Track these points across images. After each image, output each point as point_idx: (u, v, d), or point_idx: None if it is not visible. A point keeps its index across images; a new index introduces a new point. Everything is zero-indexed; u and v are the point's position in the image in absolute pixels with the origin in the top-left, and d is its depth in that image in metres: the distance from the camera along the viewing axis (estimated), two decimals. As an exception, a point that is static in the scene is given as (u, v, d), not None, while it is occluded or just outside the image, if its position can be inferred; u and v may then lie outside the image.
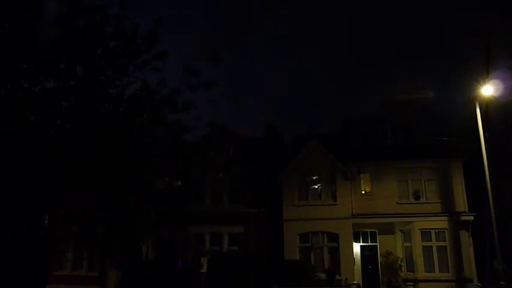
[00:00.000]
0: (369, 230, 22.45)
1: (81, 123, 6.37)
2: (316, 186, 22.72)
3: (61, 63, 6.43)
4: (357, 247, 22.17)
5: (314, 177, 22.75)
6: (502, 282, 15.61)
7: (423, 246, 20.83)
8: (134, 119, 6.84)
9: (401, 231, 21.90)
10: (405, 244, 21.69)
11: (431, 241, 20.90)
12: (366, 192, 22.74)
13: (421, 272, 20.36)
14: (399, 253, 21.58)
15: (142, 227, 17.66)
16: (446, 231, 20.88)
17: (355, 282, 18.72)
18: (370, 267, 21.96)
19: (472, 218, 20.57)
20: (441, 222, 20.99)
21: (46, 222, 12.27)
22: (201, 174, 20.18)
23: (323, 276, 20.15)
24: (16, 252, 10.28)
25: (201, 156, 9.80)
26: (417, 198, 22.12)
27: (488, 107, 17.55)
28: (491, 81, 16.37)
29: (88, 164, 6.62)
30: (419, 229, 20.99)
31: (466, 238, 20.65)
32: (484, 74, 16.09)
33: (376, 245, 22.23)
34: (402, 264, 21.29)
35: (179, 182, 11.48)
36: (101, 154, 6.58)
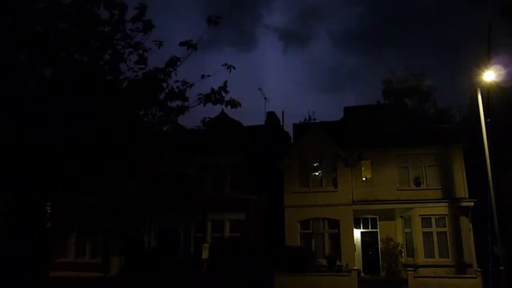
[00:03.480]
0: (369, 216, 22.57)
1: (82, 109, 6.37)
2: (317, 173, 22.78)
3: (58, 46, 6.40)
4: (357, 233, 22.32)
5: (315, 164, 22.80)
6: (502, 267, 15.73)
7: (423, 232, 20.95)
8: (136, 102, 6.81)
9: (401, 217, 22.01)
10: (405, 230, 21.81)
11: (431, 227, 21.01)
12: (366, 178, 22.81)
13: (421, 258, 20.52)
14: (399, 239, 21.72)
15: (144, 215, 17.81)
16: (446, 217, 20.98)
17: (356, 267, 18.85)
18: (370, 253, 22.14)
19: (472, 204, 20.64)
20: (441, 208, 21.07)
21: (48, 211, 12.38)
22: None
23: (324, 262, 20.33)
24: (20, 241, 10.38)
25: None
26: (418, 184, 22.19)
27: (490, 93, 17.48)
28: (493, 67, 16.28)
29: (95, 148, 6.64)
30: (419, 215, 21.09)
31: (466, 224, 20.75)
32: (486, 59, 16.00)
33: (377, 231, 22.37)
34: (402, 250, 21.45)
35: None
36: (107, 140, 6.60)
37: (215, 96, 6.50)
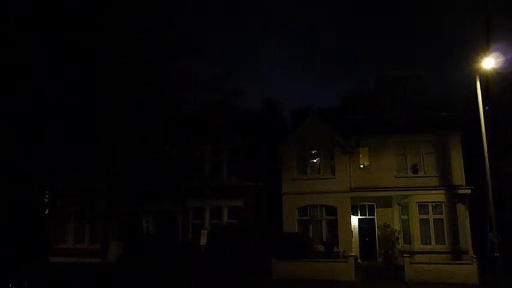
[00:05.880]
0: (366, 203, 22.69)
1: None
2: (315, 160, 22.82)
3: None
4: (354, 220, 22.47)
5: (313, 151, 22.83)
6: (497, 254, 15.88)
7: (420, 219, 21.10)
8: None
9: (398, 204, 22.14)
10: (402, 217, 21.98)
11: (428, 214, 21.16)
12: (364, 166, 22.87)
13: (417, 244, 20.71)
14: (396, 226, 21.89)
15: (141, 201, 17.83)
16: (443, 204, 21.12)
17: (353, 254, 19.00)
18: (367, 239, 22.31)
19: (469, 191, 20.78)
20: (438, 196, 21.20)
21: (46, 196, 12.39)
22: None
23: (321, 248, 20.48)
24: (19, 227, 10.41)
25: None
26: (415, 171, 22.28)
27: (489, 80, 17.44)
28: (492, 54, 16.20)
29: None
30: (416, 202, 21.22)
31: (462, 211, 20.91)
32: (485, 46, 15.92)
33: (374, 218, 22.53)
34: (399, 236, 21.64)
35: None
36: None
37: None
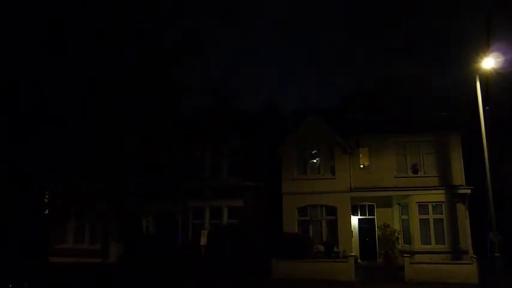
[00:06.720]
0: (366, 203, 22.69)
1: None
2: (315, 160, 22.81)
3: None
4: (354, 220, 22.47)
5: (313, 151, 22.82)
6: (497, 254, 15.89)
7: (420, 219, 21.11)
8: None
9: (398, 204, 22.15)
10: (402, 217, 21.98)
11: (428, 214, 21.17)
12: (364, 166, 22.87)
13: (417, 244, 20.72)
14: (396, 226, 21.89)
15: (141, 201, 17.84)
16: (443, 204, 21.13)
17: (353, 254, 19.00)
18: (367, 239, 22.31)
19: (469, 191, 20.79)
20: (438, 196, 21.20)
21: (46, 196, 12.39)
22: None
23: (321, 248, 20.47)
24: (19, 226, 10.42)
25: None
26: (415, 171, 22.29)
27: (489, 80, 17.46)
28: (492, 54, 16.22)
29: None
30: (416, 202, 21.23)
31: (462, 211, 20.91)
32: (485, 46, 15.94)
33: (374, 218, 22.53)
34: (399, 236, 21.64)
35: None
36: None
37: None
